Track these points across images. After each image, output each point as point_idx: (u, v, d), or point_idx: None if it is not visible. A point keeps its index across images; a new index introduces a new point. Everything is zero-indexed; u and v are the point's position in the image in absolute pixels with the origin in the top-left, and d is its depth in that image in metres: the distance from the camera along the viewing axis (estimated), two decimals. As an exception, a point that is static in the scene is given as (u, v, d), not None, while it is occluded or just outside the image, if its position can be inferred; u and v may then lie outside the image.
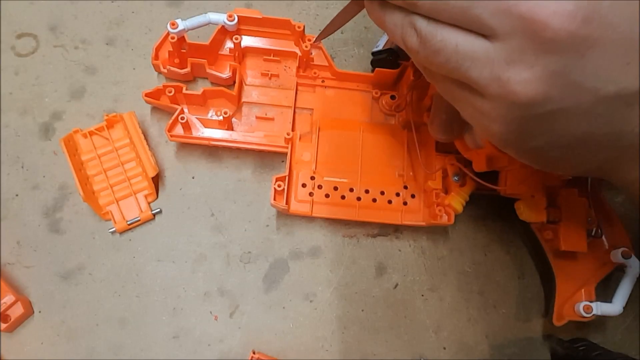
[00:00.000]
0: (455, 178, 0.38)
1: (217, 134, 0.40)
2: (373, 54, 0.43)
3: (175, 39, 0.39)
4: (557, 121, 0.22)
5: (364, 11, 0.49)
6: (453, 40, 0.22)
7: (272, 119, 0.41)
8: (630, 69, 0.20)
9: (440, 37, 0.22)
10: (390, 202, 0.39)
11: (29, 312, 0.37)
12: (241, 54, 0.42)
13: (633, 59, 0.20)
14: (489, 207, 0.42)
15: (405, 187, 0.40)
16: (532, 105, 0.21)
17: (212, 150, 0.42)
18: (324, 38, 0.36)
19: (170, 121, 0.39)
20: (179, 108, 0.39)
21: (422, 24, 0.22)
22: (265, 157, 0.42)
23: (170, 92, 0.39)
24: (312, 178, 0.39)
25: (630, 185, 0.26)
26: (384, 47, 0.42)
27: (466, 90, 0.23)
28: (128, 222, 0.39)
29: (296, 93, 0.42)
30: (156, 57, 0.41)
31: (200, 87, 0.40)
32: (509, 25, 0.20)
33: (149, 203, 0.40)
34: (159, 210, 0.40)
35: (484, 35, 0.21)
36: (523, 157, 0.26)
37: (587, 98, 0.21)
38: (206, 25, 0.40)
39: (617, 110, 0.21)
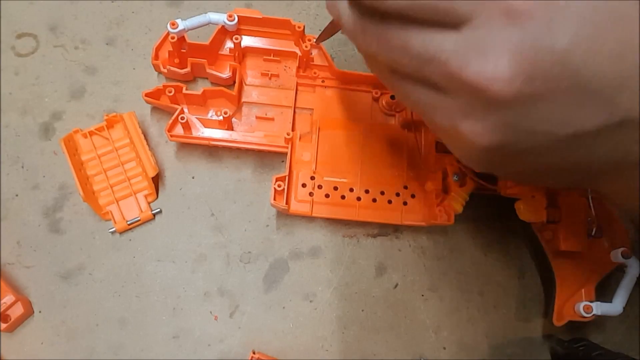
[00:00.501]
0: (455, 178, 0.38)
1: (217, 134, 0.40)
2: None
3: (175, 39, 0.39)
4: (523, 157, 0.22)
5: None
6: (416, 93, 0.23)
7: (272, 119, 0.41)
8: (584, 111, 0.20)
9: (403, 88, 0.23)
10: (390, 202, 0.39)
11: (29, 312, 0.37)
12: (241, 54, 0.42)
13: (585, 101, 0.20)
14: (489, 207, 0.42)
15: (405, 187, 0.40)
16: (491, 151, 0.22)
17: (212, 150, 0.42)
18: (324, 40, 0.36)
19: (170, 121, 0.39)
20: (179, 108, 0.39)
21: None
22: (265, 157, 0.42)
23: (170, 92, 0.39)
24: (312, 178, 0.39)
25: (611, 195, 0.26)
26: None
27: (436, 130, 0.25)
28: (128, 222, 0.39)
29: (296, 93, 0.42)
30: (156, 57, 0.41)
31: (200, 87, 0.40)
32: (455, 87, 0.21)
33: (149, 203, 0.40)
34: (159, 210, 0.40)
35: (441, 89, 0.22)
36: (503, 178, 0.26)
37: (545, 140, 0.21)
38: (206, 25, 0.40)
39: (581, 146, 0.21)
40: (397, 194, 0.39)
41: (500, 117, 0.20)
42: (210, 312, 0.39)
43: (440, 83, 0.21)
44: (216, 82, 0.42)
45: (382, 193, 0.39)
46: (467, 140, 0.22)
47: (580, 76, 0.19)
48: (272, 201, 0.37)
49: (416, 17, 0.21)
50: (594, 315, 0.36)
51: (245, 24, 0.41)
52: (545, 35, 0.19)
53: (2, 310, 0.36)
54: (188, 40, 0.40)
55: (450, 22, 0.20)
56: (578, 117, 0.20)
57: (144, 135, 0.40)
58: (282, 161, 0.42)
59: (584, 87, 0.19)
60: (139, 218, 0.39)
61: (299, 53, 0.41)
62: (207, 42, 0.41)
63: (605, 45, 0.19)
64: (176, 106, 0.40)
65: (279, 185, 0.37)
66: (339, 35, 0.45)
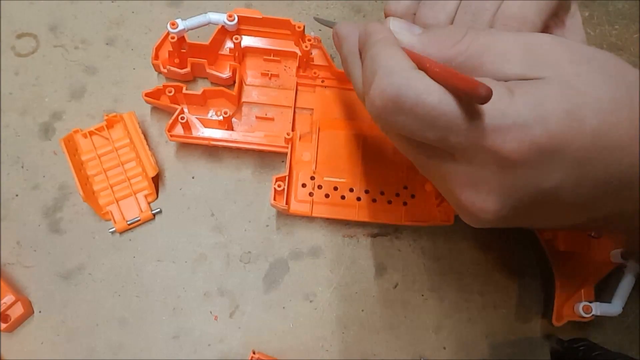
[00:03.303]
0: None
1: (217, 134, 0.40)
2: None
3: (175, 39, 0.39)
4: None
5: (363, 11, 0.49)
6: (425, 173, 0.28)
7: (272, 119, 0.41)
8: (566, 215, 0.24)
9: (416, 161, 0.28)
10: (390, 202, 0.39)
11: (29, 312, 0.37)
12: (241, 54, 0.42)
13: (567, 210, 0.23)
14: (489, 207, 0.42)
15: (405, 187, 0.40)
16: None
17: (212, 150, 0.42)
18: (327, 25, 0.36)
19: (170, 121, 0.39)
20: (179, 108, 0.39)
21: None
22: (265, 157, 0.42)
23: (170, 92, 0.39)
24: (312, 178, 0.39)
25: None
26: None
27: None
28: (128, 222, 0.39)
29: (296, 93, 0.42)
30: (156, 57, 0.41)
31: (200, 87, 0.40)
32: (451, 198, 0.25)
33: (149, 203, 0.40)
34: (159, 210, 0.40)
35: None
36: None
37: (529, 224, 0.26)
38: (206, 25, 0.40)
39: (567, 221, 0.25)
40: (397, 194, 0.39)
41: (487, 224, 0.25)
42: (210, 312, 0.39)
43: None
44: (216, 82, 0.42)
45: (382, 193, 0.39)
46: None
47: (565, 202, 0.22)
48: (272, 201, 0.37)
49: (420, 141, 0.24)
50: (593, 315, 0.36)
51: (245, 24, 0.41)
52: (535, 179, 0.21)
53: (2, 310, 0.36)
54: (188, 40, 0.40)
55: (448, 153, 0.23)
56: (558, 218, 0.24)
57: (144, 135, 0.40)
58: (282, 161, 0.42)
59: (568, 204, 0.22)
60: (139, 218, 0.39)
61: (299, 53, 0.41)
62: (207, 42, 0.41)
63: (589, 179, 0.21)
64: (176, 106, 0.40)
65: (279, 185, 0.37)
66: (339, 35, 0.45)
